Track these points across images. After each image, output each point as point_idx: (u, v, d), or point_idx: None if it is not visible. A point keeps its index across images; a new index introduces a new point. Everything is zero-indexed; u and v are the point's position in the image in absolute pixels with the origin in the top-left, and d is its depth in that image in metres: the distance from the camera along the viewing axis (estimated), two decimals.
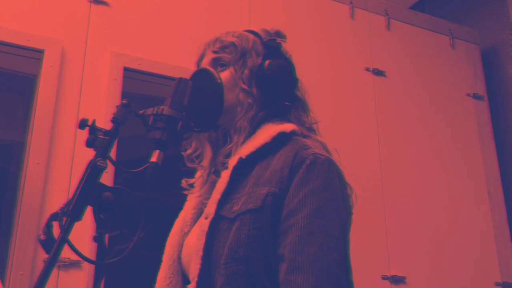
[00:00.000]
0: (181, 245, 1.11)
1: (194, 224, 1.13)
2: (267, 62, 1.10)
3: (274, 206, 0.96)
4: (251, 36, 1.15)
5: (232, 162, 1.03)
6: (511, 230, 2.72)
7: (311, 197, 0.95)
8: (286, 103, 1.11)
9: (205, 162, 1.16)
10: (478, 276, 2.56)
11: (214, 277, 0.95)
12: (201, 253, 0.96)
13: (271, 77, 1.09)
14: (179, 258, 1.10)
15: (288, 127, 1.05)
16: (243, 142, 1.06)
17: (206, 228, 0.98)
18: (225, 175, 1.03)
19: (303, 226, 0.93)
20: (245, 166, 1.03)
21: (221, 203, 1.00)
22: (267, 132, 1.05)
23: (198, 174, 1.19)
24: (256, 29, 1.18)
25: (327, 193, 0.97)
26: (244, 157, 1.02)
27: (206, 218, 1.00)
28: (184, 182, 1.19)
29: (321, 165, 0.98)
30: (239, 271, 0.93)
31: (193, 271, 0.96)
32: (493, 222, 2.68)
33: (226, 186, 1.01)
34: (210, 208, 1.00)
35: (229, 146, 1.09)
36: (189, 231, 1.12)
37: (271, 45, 1.14)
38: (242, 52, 1.11)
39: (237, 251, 0.94)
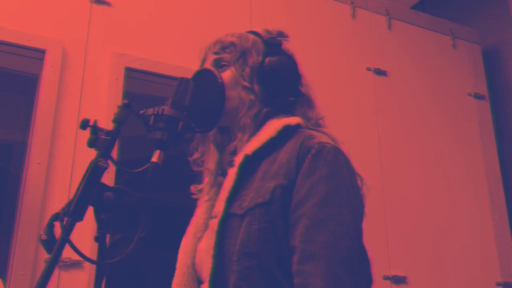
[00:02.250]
0: (194, 251, 1.10)
1: (206, 229, 1.12)
2: (267, 58, 1.10)
3: (283, 198, 0.95)
4: (251, 36, 1.15)
5: (238, 159, 1.03)
6: None
7: (318, 186, 0.94)
8: (290, 98, 1.10)
9: (211, 165, 1.16)
10: (479, 276, 2.55)
11: (226, 275, 0.94)
12: (211, 251, 0.95)
13: (272, 73, 1.09)
14: (193, 264, 1.09)
15: (292, 120, 1.05)
16: (247, 140, 1.06)
17: (215, 227, 0.97)
18: (232, 173, 1.02)
19: (312, 215, 0.92)
20: (251, 163, 1.02)
21: (229, 201, 0.99)
22: (272, 126, 1.04)
23: (206, 179, 1.18)
24: (257, 29, 1.18)
25: (334, 181, 0.95)
26: (249, 153, 1.02)
27: (215, 217, 0.99)
28: (193, 189, 1.18)
29: (327, 153, 0.97)
30: (252, 266, 0.92)
31: (205, 271, 0.95)
32: (493, 222, 2.68)
33: (233, 183, 1.00)
34: (219, 207, 0.99)
35: (233, 144, 1.08)
36: (201, 236, 1.11)
37: (272, 43, 1.14)
38: (242, 51, 1.11)
39: (248, 246, 0.93)
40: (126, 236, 0.87)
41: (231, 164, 1.06)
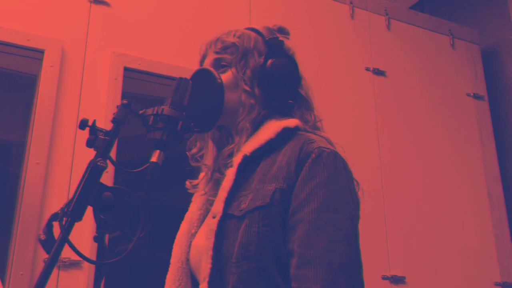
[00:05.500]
0: (188, 246, 1.10)
1: (201, 225, 1.12)
2: (269, 61, 1.09)
3: (282, 201, 0.95)
4: (253, 35, 1.13)
5: (237, 159, 1.02)
6: (511, 230, 2.73)
7: (318, 191, 0.94)
8: (290, 101, 1.10)
9: (209, 161, 1.15)
10: (478, 276, 2.56)
11: (225, 276, 0.94)
12: (211, 252, 0.95)
13: (273, 77, 1.08)
14: (187, 260, 1.09)
15: (291, 122, 1.04)
16: (245, 141, 1.05)
17: (214, 227, 0.97)
18: (231, 173, 1.02)
19: (311, 220, 0.92)
20: (249, 163, 1.02)
21: (228, 201, 0.99)
22: (271, 128, 1.04)
23: (202, 174, 1.18)
24: (258, 27, 1.16)
25: (333, 186, 0.96)
26: (248, 154, 1.02)
27: (214, 217, 0.99)
28: (188, 184, 1.18)
29: (326, 158, 0.97)
30: (251, 268, 0.92)
31: (204, 271, 0.95)
32: (493, 222, 2.68)
33: (232, 184, 1.00)
34: (218, 207, 0.99)
35: (230, 147, 1.08)
36: (196, 232, 1.12)
37: (273, 43, 1.12)
38: (243, 53, 1.10)
39: (248, 249, 0.93)
40: (125, 235, 0.87)
41: (229, 164, 1.06)
